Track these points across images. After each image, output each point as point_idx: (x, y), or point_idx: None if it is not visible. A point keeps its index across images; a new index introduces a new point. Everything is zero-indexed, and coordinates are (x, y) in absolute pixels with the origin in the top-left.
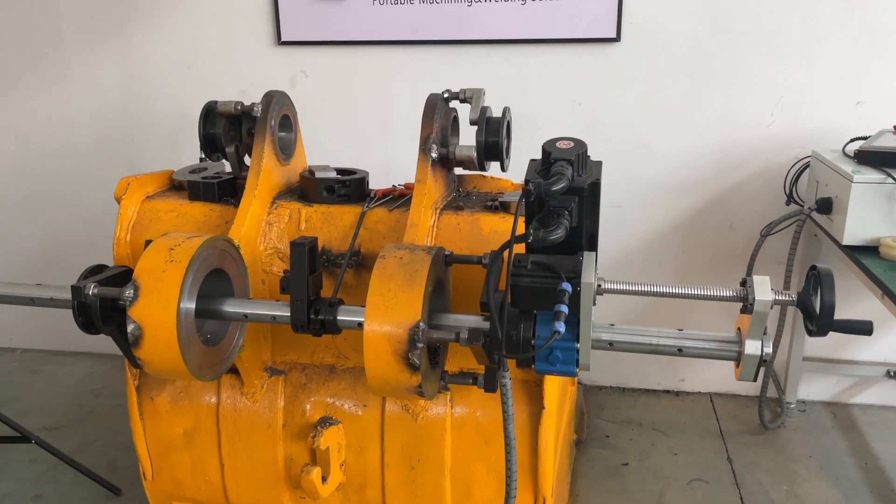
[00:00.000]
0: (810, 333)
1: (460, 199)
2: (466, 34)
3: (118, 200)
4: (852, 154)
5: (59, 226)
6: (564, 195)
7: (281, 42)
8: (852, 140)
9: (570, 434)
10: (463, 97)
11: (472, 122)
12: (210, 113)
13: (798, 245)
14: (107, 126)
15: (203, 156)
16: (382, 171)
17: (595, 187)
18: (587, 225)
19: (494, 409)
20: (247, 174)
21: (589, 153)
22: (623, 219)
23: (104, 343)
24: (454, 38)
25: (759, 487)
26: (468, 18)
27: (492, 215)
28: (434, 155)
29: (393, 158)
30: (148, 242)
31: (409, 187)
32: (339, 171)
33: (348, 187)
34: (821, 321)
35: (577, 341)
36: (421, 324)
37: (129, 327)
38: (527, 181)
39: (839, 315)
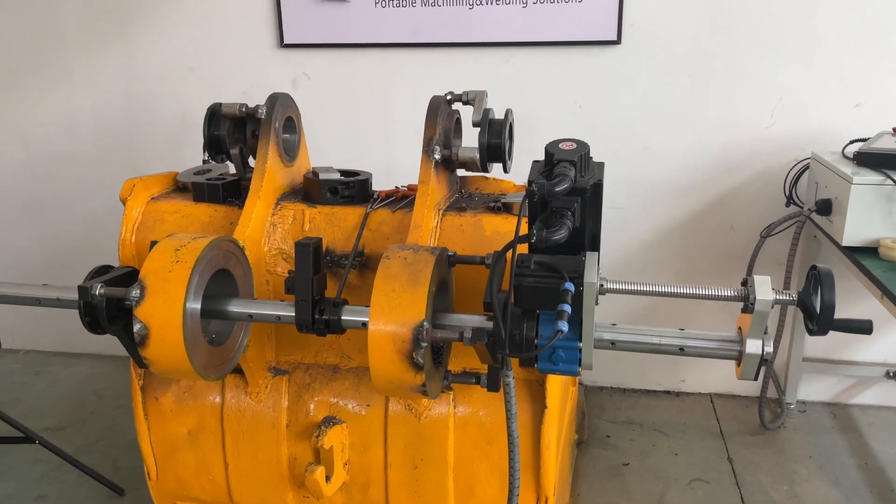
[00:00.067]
0: (811, 332)
1: (463, 200)
2: (468, 37)
3: (123, 201)
4: (852, 156)
5: (61, 227)
6: (567, 196)
7: (283, 44)
8: (852, 142)
9: (571, 434)
10: (465, 99)
11: (475, 124)
12: (215, 115)
13: (798, 246)
14: (109, 128)
15: (206, 157)
16: (384, 172)
17: (597, 188)
18: (589, 225)
19: (497, 409)
20: (251, 176)
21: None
22: (623, 220)
23: (106, 344)
24: (455, 40)
25: (760, 487)
26: (469, 21)
27: (494, 216)
28: (437, 156)
29: (394, 160)
30: (153, 243)
31: (411, 189)
32: (343, 172)
33: (352, 189)
34: (821, 320)
35: (580, 340)
36: (425, 323)
37: (136, 327)
38: (530, 182)
39: (839, 315)
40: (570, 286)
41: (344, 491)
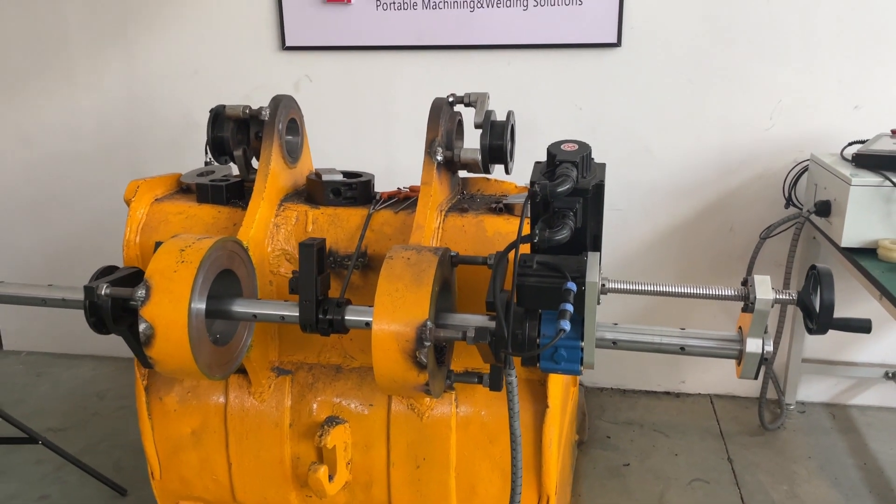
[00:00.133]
0: (810, 331)
1: (465, 201)
2: (469, 39)
3: (128, 203)
4: (850, 157)
5: (65, 229)
6: (569, 196)
7: (285, 47)
8: (850, 144)
9: (572, 434)
10: (467, 101)
11: (477, 126)
12: (218, 117)
13: (797, 247)
14: (112, 130)
15: (209, 159)
16: (386, 174)
17: (599, 189)
18: (591, 226)
19: (499, 409)
20: (254, 177)
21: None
22: (624, 222)
23: (108, 345)
24: (457, 43)
25: (760, 488)
26: (471, 24)
27: (496, 217)
28: (439, 158)
29: (396, 162)
30: (158, 244)
31: (413, 190)
32: (345, 174)
33: (355, 190)
34: (820, 319)
35: (582, 340)
36: (428, 323)
37: (141, 327)
38: (532, 183)
39: (838, 316)
40: (572, 286)
41: (347, 490)
